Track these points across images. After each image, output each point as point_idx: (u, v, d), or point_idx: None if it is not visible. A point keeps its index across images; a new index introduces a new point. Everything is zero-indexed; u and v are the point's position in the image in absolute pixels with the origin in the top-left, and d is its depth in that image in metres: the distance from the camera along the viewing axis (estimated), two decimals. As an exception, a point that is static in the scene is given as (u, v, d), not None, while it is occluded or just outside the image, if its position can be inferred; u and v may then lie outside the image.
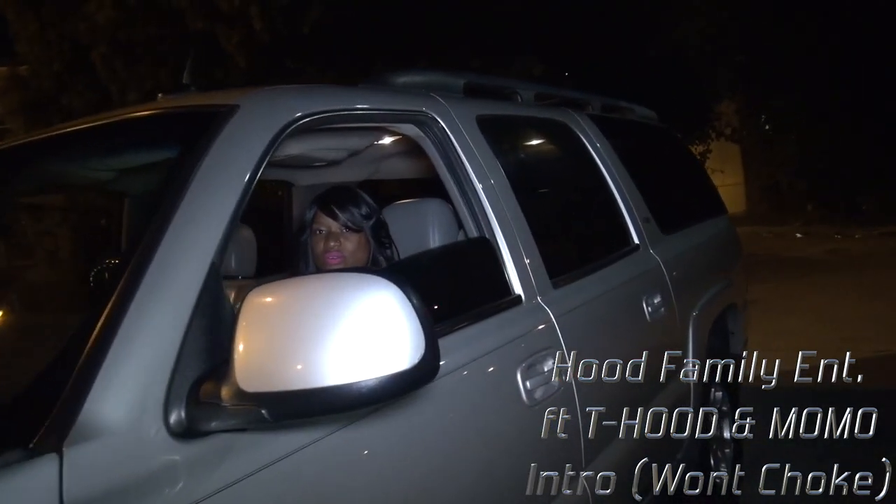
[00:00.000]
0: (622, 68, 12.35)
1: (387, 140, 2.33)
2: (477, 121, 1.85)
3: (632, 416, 2.02)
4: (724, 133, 20.22)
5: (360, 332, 0.84)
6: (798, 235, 16.40)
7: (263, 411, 0.84)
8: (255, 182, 1.13)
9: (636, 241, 2.44)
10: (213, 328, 0.96)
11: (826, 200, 19.83)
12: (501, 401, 1.47)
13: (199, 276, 0.98)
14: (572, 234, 2.29)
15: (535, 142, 2.33)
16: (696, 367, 2.57)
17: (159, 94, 1.52)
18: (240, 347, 0.86)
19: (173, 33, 11.24)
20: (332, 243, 1.78)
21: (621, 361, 2.00)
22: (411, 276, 1.66)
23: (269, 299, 0.88)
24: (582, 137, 2.44)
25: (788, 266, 11.06)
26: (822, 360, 4.81)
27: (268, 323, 0.86)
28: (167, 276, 0.95)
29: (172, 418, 0.89)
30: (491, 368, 1.47)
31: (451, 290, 1.60)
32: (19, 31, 12.19)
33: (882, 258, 10.79)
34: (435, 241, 1.96)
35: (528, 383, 1.53)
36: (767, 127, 21.33)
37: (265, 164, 1.17)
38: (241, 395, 0.84)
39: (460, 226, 1.84)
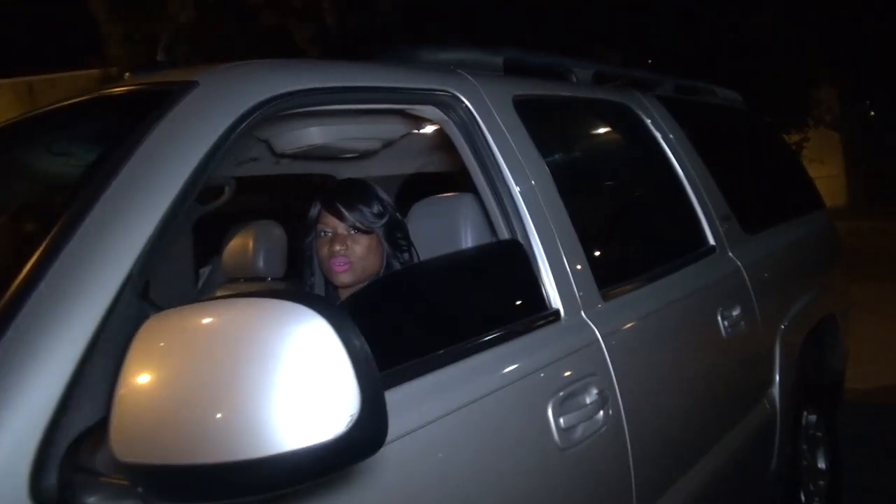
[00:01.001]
0: (709, 52, 11.62)
1: (429, 129, 2.08)
2: (514, 102, 1.57)
3: (699, 454, 1.70)
4: (823, 120, 18.85)
5: (265, 385, 0.59)
6: (907, 230, 15.06)
7: (140, 489, 0.61)
8: (204, 177, 0.90)
9: (712, 242, 2.09)
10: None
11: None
12: (524, 444, 1.19)
13: (105, 295, 0.76)
14: (631, 236, 1.97)
15: (587, 127, 2.01)
16: (784, 389, 2.20)
17: (126, 74, 1.33)
18: (119, 397, 0.63)
19: (249, 30, 11.43)
20: (337, 247, 1.53)
21: (686, 388, 1.69)
22: (411, 286, 1.41)
23: (161, 332, 0.65)
24: (648, 122, 2.11)
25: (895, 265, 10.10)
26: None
27: (153, 365, 0.63)
28: (60, 295, 0.74)
29: (44, 486, 0.67)
30: (511, 403, 1.19)
31: (467, 305, 1.33)
32: (109, 34, 12.73)
33: None
34: (468, 242, 1.70)
35: (562, 420, 1.25)
36: (872, 113, 19.85)
37: (222, 153, 0.95)
38: (116, 465, 0.62)
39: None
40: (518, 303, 1.38)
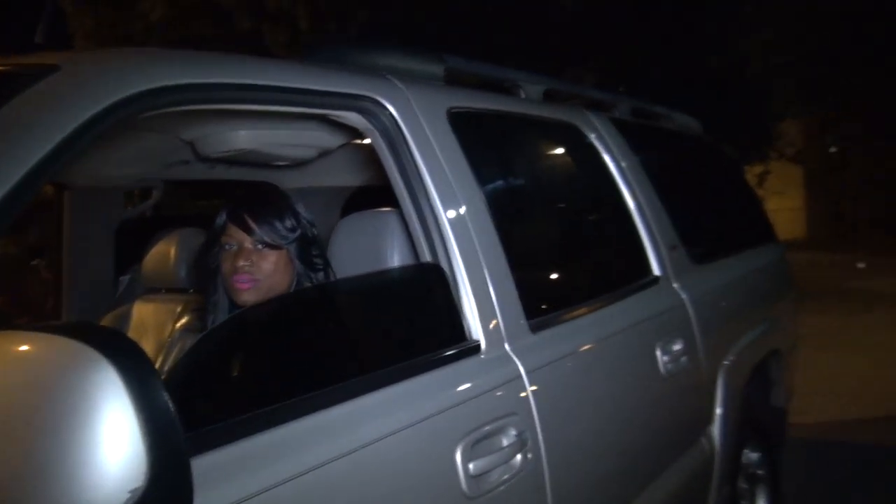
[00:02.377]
0: (679, 80, 11.75)
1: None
2: (448, 115, 1.47)
3: (629, 499, 1.60)
4: (785, 154, 19.29)
5: (19, 448, 0.47)
6: (861, 265, 15.42)
7: None
8: (46, 175, 0.77)
9: (657, 272, 2.01)
10: None
11: (891, 229, 18.78)
12: (426, 494, 1.07)
13: None
14: (569, 264, 1.87)
15: (530, 147, 1.92)
16: (724, 427, 2.12)
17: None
18: None
19: (222, 32, 11.22)
20: (241, 262, 1.37)
21: (618, 429, 1.59)
22: (310, 308, 1.25)
23: None
24: (597, 144, 2.03)
25: (851, 298, 10.30)
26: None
27: None
28: None
29: None
30: (414, 446, 1.07)
31: (374, 334, 1.22)
32: (77, 29, 12.39)
33: (957, 296, 9.92)
34: (394, 262, 1.58)
35: (471, 465, 1.13)
36: (834, 149, 20.38)
37: (74, 151, 0.81)
38: None
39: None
40: (434, 333, 1.26)
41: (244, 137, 1.79)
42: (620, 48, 11.66)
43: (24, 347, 0.50)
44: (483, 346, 1.28)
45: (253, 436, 0.87)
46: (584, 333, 1.56)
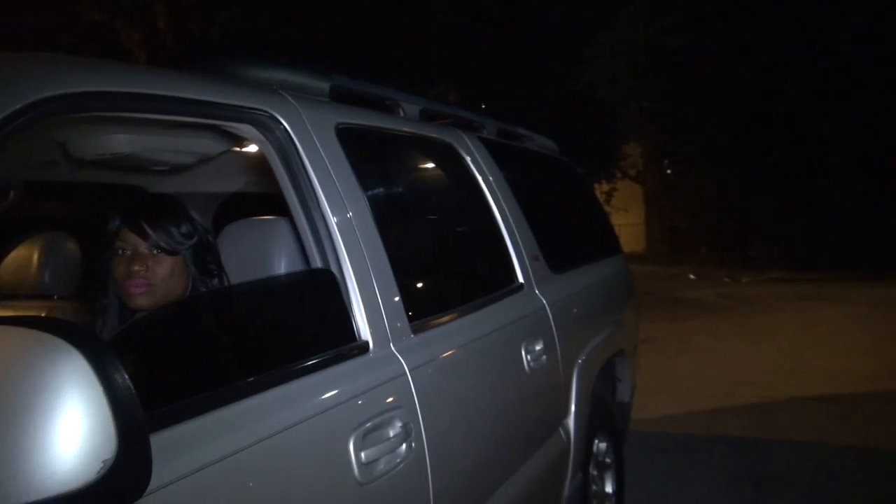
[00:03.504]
0: (536, 100, 12.51)
1: (252, 147, 2.00)
2: (336, 130, 1.57)
3: (499, 483, 1.76)
4: (628, 174, 21.00)
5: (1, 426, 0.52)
6: (692, 277, 17.09)
7: None
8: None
9: (521, 280, 2.21)
10: None
11: (719, 245, 20.91)
12: (323, 480, 1.16)
13: None
14: (444, 271, 2.03)
15: (410, 162, 2.06)
16: (578, 419, 2.36)
17: None
18: None
19: (69, 23, 10.41)
20: (136, 267, 1.40)
21: (490, 420, 1.76)
22: (210, 311, 1.29)
23: None
24: (469, 162, 2.20)
25: (681, 307, 11.41)
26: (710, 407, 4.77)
27: None
28: None
29: None
30: (311, 436, 1.15)
31: (272, 335, 1.28)
32: None
33: (766, 303, 11.31)
34: (281, 269, 1.64)
35: (363, 454, 1.23)
36: (669, 171, 22.33)
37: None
38: None
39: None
40: (327, 334, 1.35)
41: (122, 141, 1.76)
42: (483, 70, 12.21)
43: (2, 338, 0.54)
44: (370, 346, 1.38)
45: (156, 432, 0.92)
46: (459, 334, 1.70)
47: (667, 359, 7.00)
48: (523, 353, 1.98)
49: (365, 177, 1.58)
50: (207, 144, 1.96)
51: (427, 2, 10.92)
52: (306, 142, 1.44)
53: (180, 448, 0.93)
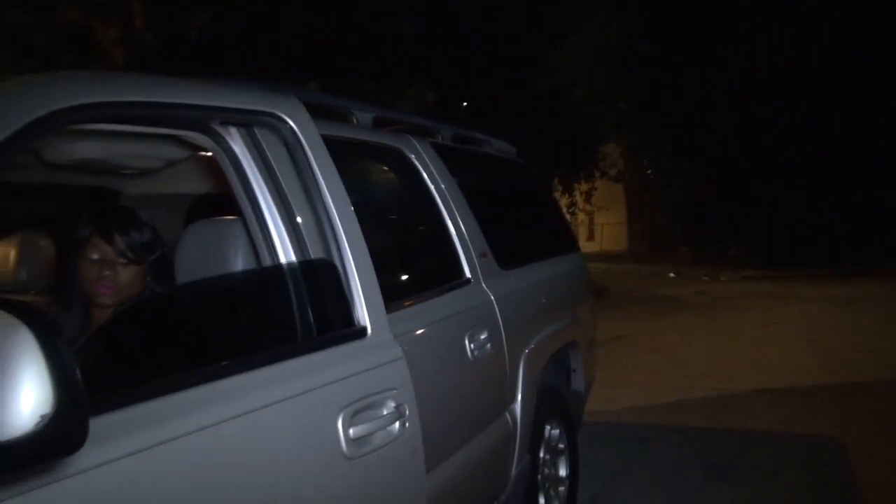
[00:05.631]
0: (512, 102, 12.69)
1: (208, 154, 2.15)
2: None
3: (444, 458, 1.93)
4: (607, 173, 21.23)
5: None
6: (671, 275, 17.40)
7: None
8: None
9: (468, 275, 2.39)
10: None
11: (698, 244, 21.22)
12: (312, 453, 1.34)
13: None
14: (396, 267, 2.19)
15: (360, 167, 2.22)
16: (524, 404, 2.54)
17: None
18: None
19: (44, 21, 10.44)
20: (107, 272, 1.59)
21: (436, 404, 1.92)
22: (218, 296, 1.52)
23: None
24: (418, 166, 2.37)
25: (658, 304, 11.68)
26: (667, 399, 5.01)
27: None
28: None
29: None
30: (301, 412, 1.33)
31: (274, 318, 1.47)
32: None
33: (738, 300, 11.60)
34: (237, 266, 1.80)
35: (351, 431, 1.41)
36: (649, 171, 22.60)
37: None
38: None
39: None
40: (328, 318, 1.52)
41: (95, 147, 1.91)
42: (458, 71, 12.36)
43: None
44: (369, 331, 1.56)
45: (167, 395, 1.10)
46: (403, 323, 1.87)
47: (637, 354, 7.23)
48: (467, 342, 2.15)
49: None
50: (173, 150, 2.11)
51: (396, 5, 11.07)
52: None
53: (179, 412, 1.10)
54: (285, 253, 1.57)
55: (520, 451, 2.54)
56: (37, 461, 0.74)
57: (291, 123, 1.60)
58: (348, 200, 1.68)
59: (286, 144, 1.60)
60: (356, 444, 1.41)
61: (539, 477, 2.85)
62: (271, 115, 1.58)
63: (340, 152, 2.07)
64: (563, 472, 3.17)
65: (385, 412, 1.50)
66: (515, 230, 3.11)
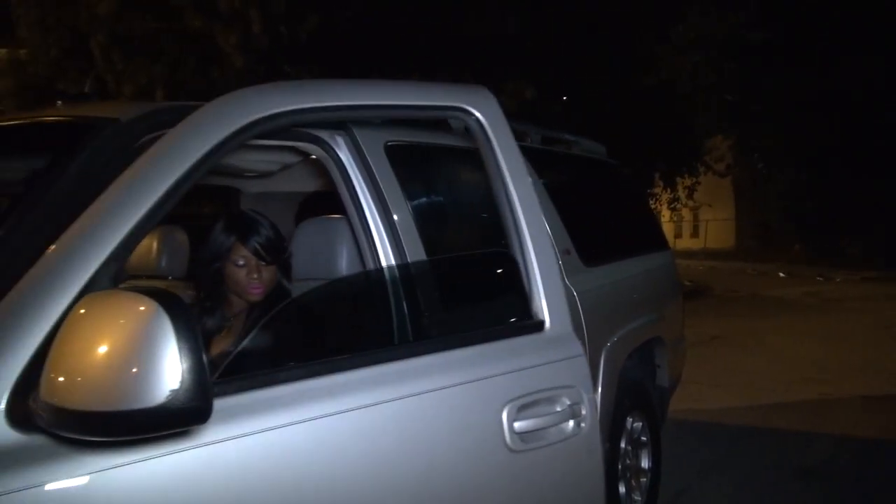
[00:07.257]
0: (614, 97, 12.49)
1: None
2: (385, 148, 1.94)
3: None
4: (713, 167, 20.38)
5: (116, 358, 0.86)
6: (781, 275, 16.52)
7: (44, 416, 0.88)
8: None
9: (552, 270, 2.52)
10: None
11: (813, 242, 20.01)
12: (473, 442, 1.40)
13: (75, 281, 1.01)
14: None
15: (446, 171, 2.41)
16: (605, 395, 2.65)
17: (58, 102, 1.61)
18: (51, 351, 0.91)
19: (172, 29, 11.37)
20: (255, 275, 1.89)
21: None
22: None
23: (81, 311, 0.92)
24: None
25: (763, 305, 11.20)
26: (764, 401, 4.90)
27: (61, 335, 0.92)
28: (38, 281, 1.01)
29: (15, 406, 0.94)
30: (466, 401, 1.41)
31: (452, 307, 1.62)
32: (21, 15, 12.30)
33: (854, 302, 10.92)
34: (343, 262, 2.01)
35: (516, 424, 1.44)
36: (760, 165, 21.51)
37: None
38: (39, 401, 0.89)
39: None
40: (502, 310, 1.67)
41: (235, 155, 2.20)
42: (560, 66, 12.31)
43: (118, 300, 0.91)
44: (547, 324, 1.56)
45: (341, 372, 1.26)
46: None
47: (735, 355, 7.03)
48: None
49: (409, 187, 1.95)
50: (288, 156, 2.39)
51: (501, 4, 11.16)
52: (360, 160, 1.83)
53: (347, 390, 1.25)
54: (384, 250, 1.78)
55: (600, 437, 2.66)
56: (166, 428, 0.89)
57: (479, 115, 1.61)
58: (533, 192, 1.66)
59: (340, 163, 1.69)
60: (521, 439, 1.44)
61: (620, 466, 2.95)
62: (460, 109, 1.60)
63: (436, 158, 2.28)
64: (645, 463, 3.24)
65: (558, 408, 1.50)
66: (601, 228, 3.21)
